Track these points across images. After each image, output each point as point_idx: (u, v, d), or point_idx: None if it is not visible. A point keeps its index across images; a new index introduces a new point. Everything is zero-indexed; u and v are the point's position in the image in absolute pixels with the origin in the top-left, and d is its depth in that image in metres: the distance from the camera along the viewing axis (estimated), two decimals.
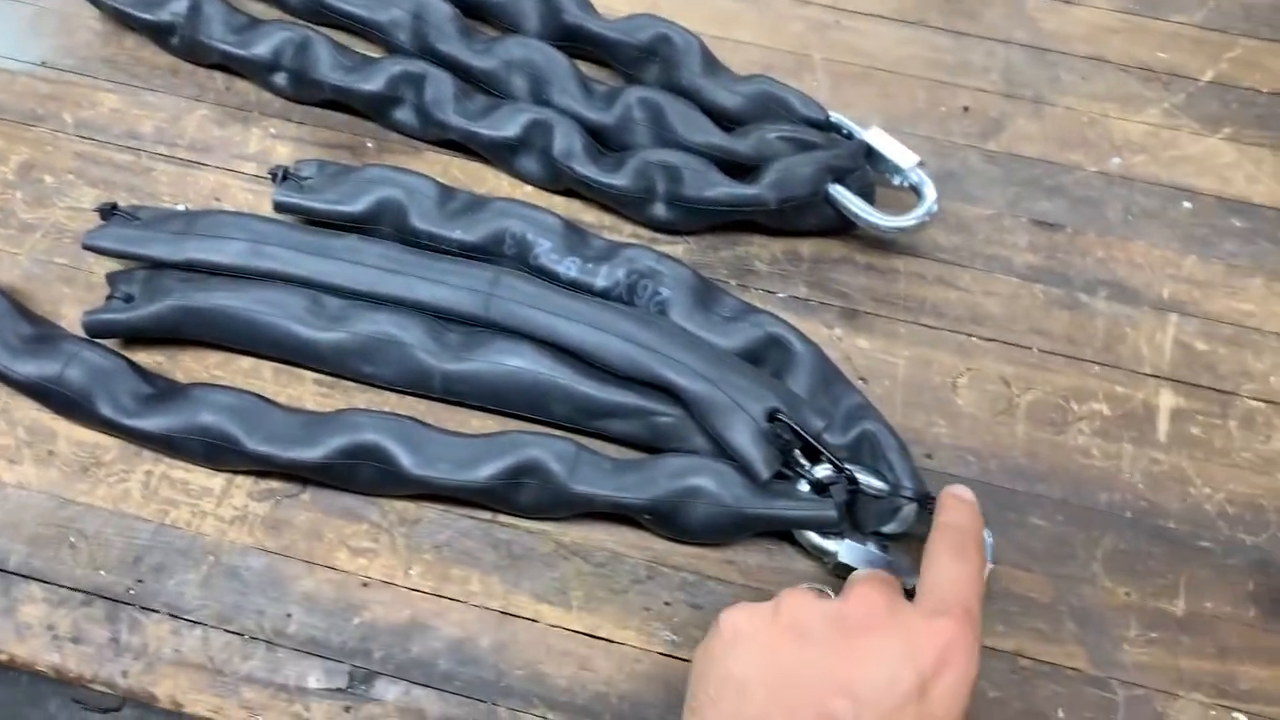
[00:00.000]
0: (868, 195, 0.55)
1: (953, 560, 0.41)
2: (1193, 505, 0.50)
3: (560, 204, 0.58)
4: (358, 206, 0.53)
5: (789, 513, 0.47)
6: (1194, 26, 0.66)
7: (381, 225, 0.54)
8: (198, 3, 0.59)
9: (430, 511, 0.49)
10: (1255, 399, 0.53)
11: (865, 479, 0.47)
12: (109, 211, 0.53)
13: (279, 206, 0.54)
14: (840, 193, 0.54)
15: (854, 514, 0.48)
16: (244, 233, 0.52)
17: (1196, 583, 0.48)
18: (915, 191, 0.54)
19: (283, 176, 0.54)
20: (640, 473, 0.48)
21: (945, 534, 0.43)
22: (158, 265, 0.52)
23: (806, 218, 0.55)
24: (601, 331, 0.49)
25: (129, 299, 0.52)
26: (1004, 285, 0.56)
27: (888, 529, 0.47)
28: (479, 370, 0.50)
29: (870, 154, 0.55)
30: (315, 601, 0.47)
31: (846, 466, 0.47)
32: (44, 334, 0.51)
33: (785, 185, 0.54)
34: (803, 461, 0.48)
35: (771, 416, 0.47)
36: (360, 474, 0.48)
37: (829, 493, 0.47)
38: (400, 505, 0.49)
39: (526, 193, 0.58)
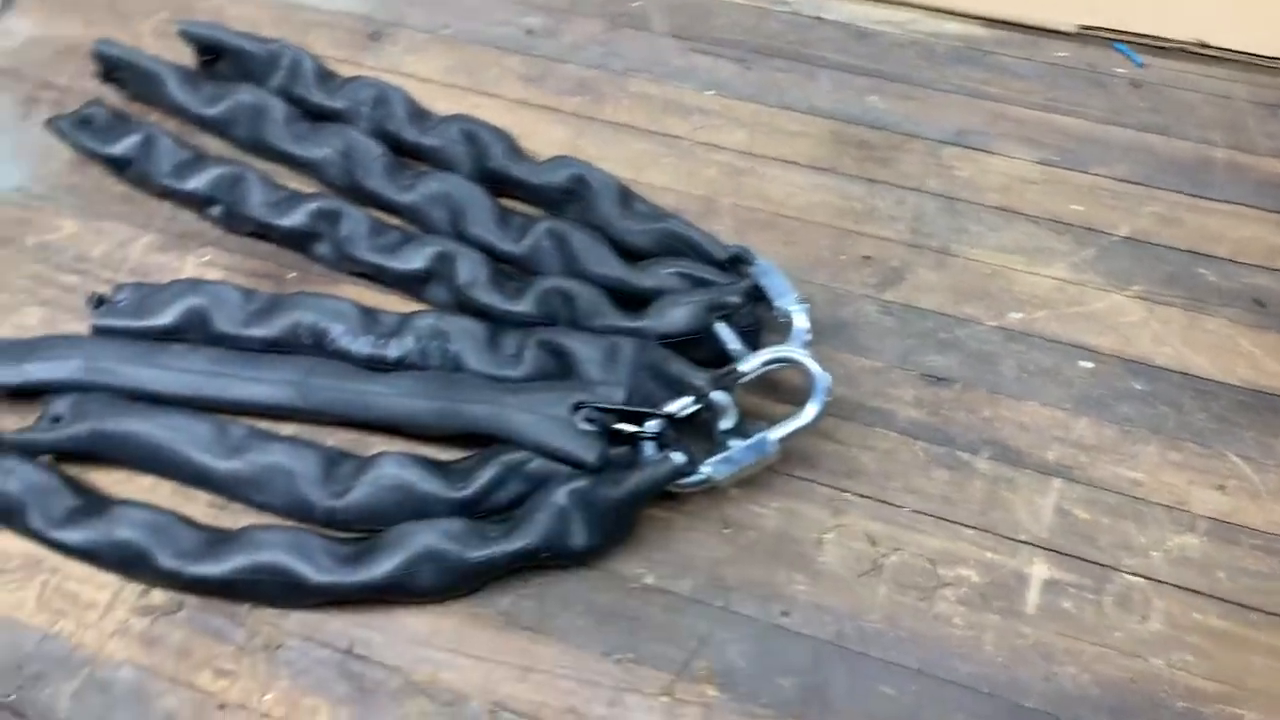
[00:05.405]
0: (754, 333, 0.56)
1: None
2: (1055, 685, 0.48)
3: None
4: (165, 319, 0.57)
5: (644, 485, 0.50)
6: (1114, 179, 0.65)
7: (190, 333, 0.57)
8: (151, 137, 0.65)
9: (293, 639, 0.51)
10: (1135, 574, 0.51)
11: (675, 407, 0.51)
12: None
13: (96, 330, 0.58)
14: (722, 330, 0.55)
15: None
16: (79, 352, 0.57)
17: None
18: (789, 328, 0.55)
19: (98, 302, 0.59)
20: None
21: None
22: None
23: (698, 350, 0.56)
24: (408, 398, 0.54)
25: (56, 419, 0.56)
26: (883, 440, 0.55)
27: (725, 425, 0.52)
28: (359, 498, 0.52)
29: (759, 293, 0.56)
30: None
31: (662, 412, 0.51)
32: None
33: (666, 320, 0.56)
34: (635, 428, 0.51)
35: (576, 409, 0.51)
36: (262, 589, 0.51)
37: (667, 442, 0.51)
38: (267, 630, 0.51)
39: None
